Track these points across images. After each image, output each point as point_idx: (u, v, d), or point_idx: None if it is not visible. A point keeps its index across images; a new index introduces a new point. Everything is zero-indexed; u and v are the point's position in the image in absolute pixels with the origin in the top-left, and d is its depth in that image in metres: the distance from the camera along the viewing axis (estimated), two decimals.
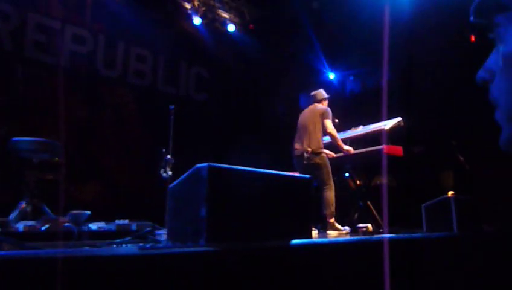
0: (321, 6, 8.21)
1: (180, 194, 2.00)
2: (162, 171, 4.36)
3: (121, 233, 2.03)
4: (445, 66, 7.58)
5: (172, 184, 2.05)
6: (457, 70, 7.46)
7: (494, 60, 0.70)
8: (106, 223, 2.16)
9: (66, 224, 1.94)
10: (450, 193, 6.01)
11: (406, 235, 2.91)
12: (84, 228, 2.03)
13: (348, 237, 2.35)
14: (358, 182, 5.06)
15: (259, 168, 2.04)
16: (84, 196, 6.37)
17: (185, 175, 1.97)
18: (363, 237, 2.54)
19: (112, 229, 2.08)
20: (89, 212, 2.14)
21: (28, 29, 6.21)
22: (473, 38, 7.89)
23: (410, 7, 7.07)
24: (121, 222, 2.10)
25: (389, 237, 2.59)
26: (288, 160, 4.73)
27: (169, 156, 4.38)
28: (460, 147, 6.35)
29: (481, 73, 0.73)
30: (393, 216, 5.88)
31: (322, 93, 4.63)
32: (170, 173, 4.35)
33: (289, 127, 5.32)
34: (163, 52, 7.86)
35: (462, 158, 6.07)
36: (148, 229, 2.11)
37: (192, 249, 1.60)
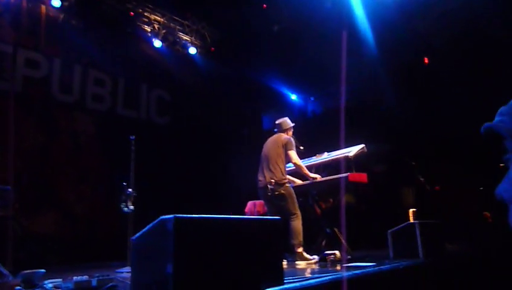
0: (281, 29, 8.33)
1: (145, 247, 1.89)
2: (123, 205, 4.17)
3: None
4: (403, 86, 7.87)
5: (136, 236, 1.94)
6: (414, 91, 7.77)
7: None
8: (63, 281, 1.99)
9: (18, 288, 1.77)
10: (411, 210, 6.17)
11: (373, 268, 2.90)
12: (38, 289, 1.86)
13: (318, 279, 2.31)
14: (323, 206, 5.07)
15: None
16: (39, 229, 6.01)
17: (149, 227, 1.87)
18: (332, 275, 2.51)
19: (69, 288, 1.92)
20: (43, 270, 1.97)
21: None
22: (426, 60, 8.28)
23: (369, 30, 7.32)
24: (79, 278, 1.94)
25: (352, 274, 2.58)
26: (254, 185, 4.68)
27: (130, 190, 4.20)
28: (419, 167, 6.56)
29: (501, 191, 0.71)
30: (359, 238, 5.95)
31: (287, 122, 4.62)
32: (132, 207, 4.17)
33: (254, 149, 5.28)
34: (122, 75, 7.65)
35: (422, 179, 6.26)
36: (110, 284, 1.97)
37: None
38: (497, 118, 0.97)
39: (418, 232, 3.82)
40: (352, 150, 4.37)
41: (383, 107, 8.35)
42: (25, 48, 6.42)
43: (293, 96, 9.84)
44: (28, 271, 1.93)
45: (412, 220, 5.50)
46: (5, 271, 2.64)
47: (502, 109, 1.00)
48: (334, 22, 7.14)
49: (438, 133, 7.00)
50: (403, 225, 4.00)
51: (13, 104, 6.02)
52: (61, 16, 6.77)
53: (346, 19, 7.11)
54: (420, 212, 5.84)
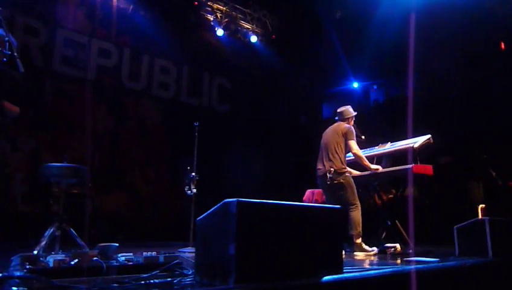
0: (344, 15, 8.12)
1: (209, 228, 1.97)
2: (186, 188, 4.36)
3: (149, 266, 2.01)
4: (475, 75, 7.36)
5: (200, 217, 2.02)
6: (487, 80, 7.24)
7: None
8: (134, 255, 2.14)
9: (95, 258, 1.93)
10: (481, 206, 5.81)
11: (437, 264, 2.79)
12: (112, 261, 2.02)
13: (378, 270, 2.27)
14: (384, 197, 4.94)
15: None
16: (109, 207, 6.46)
17: (213, 209, 1.94)
18: (393, 268, 2.45)
19: (139, 262, 2.06)
20: (116, 244, 2.14)
21: (56, 44, 6.36)
22: (503, 45, 7.65)
23: (435, 16, 6.90)
24: (149, 254, 2.08)
25: (416, 268, 2.49)
26: (313, 173, 4.65)
27: (193, 174, 4.37)
28: (492, 161, 6.14)
29: None
30: (422, 233, 5.72)
31: (348, 111, 4.51)
32: (195, 190, 4.34)
33: (313, 137, 5.25)
34: (186, 64, 7.93)
35: (493, 173, 5.85)
36: (175, 261, 2.08)
37: None
38: None
39: (488, 229, 3.59)
40: (418, 141, 4.19)
41: (452, 96, 7.88)
42: (98, 38, 6.85)
43: (355, 84, 9.57)
44: (104, 244, 2.10)
45: (480, 217, 5.20)
46: (83, 243, 2.90)
47: None
48: (399, 7, 6.82)
49: None
50: (472, 221, 3.78)
51: (86, 91, 6.49)
52: (131, 7, 7.11)
53: (413, 3, 6.75)
54: (490, 209, 5.48)
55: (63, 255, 1.96)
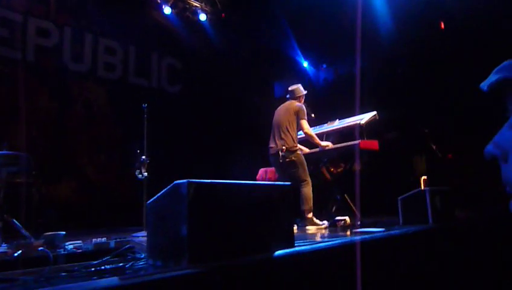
0: None
1: (159, 210, 1.95)
2: (137, 172, 4.27)
3: (99, 252, 1.96)
4: (419, 53, 7.69)
5: (151, 200, 2.00)
6: (430, 58, 7.59)
7: (508, 137, 0.67)
8: (83, 243, 2.08)
9: (40, 248, 1.86)
10: (423, 177, 6.17)
11: (382, 233, 2.96)
12: (60, 250, 1.95)
13: (327, 242, 2.37)
14: (334, 172, 5.11)
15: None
16: (57, 195, 6.20)
17: (163, 191, 1.92)
18: (342, 239, 2.57)
19: (89, 249, 2.01)
20: (63, 232, 2.06)
21: None
22: (442, 25, 8.02)
23: None
24: (99, 240, 2.03)
25: (362, 239, 2.63)
26: (266, 152, 4.72)
27: (144, 157, 4.29)
28: (432, 135, 6.50)
29: (491, 148, 0.71)
30: (370, 205, 6.01)
31: (299, 89, 4.59)
32: (146, 174, 4.26)
33: (264, 117, 5.29)
34: (133, 44, 7.63)
35: (434, 146, 6.22)
36: (127, 246, 2.05)
37: (175, 273, 1.56)
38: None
39: (428, 198, 3.84)
40: (364, 117, 4.35)
41: (396, 74, 8.20)
42: (35, 16, 6.41)
43: (305, 64, 9.70)
44: (50, 233, 2.03)
45: (423, 188, 5.53)
46: (27, 234, 2.77)
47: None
48: None
49: (452, 101, 6.88)
50: (413, 191, 4.02)
51: (25, 73, 6.09)
52: None
53: None
54: (432, 180, 5.84)
55: (5, 247, 1.87)
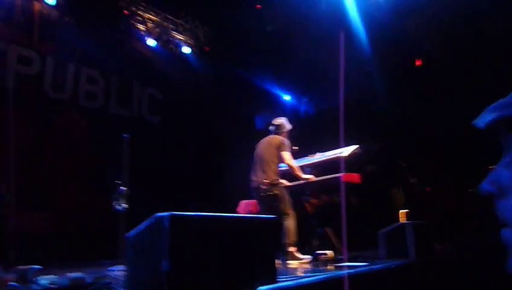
0: (275, 29, 8.35)
1: (139, 244, 1.90)
2: (115, 203, 4.16)
3: (76, 288, 1.88)
4: (394, 86, 7.94)
5: (131, 233, 1.94)
6: (406, 92, 7.84)
7: (506, 175, 0.68)
8: (58, 277, 1.99)
9: (11, 283, 1.76)
10: (402, 211, 6.22)
11: (366, 267, 2.95)
12: (33, 286, 1.85)
13: (311, 277, 2.33)
14: (316, 205, 5.09)
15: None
16: (30, 226, 5.96)
17: (144, 224, 1.87)
18: (325, 274, 2.54)
19: (64, 284, 1.92)
20: (38, 266, 1.97)
21: None
22: (418, 62, 8.35)
23: (361, 30, 7.36)
24: (74, 275, 1.94)
25: (349, 273, 2.60)
26: (248, 184, 4.69)
27: (123, 188, 4.19)
28: (410, 168, 6.62)
29: (487, 185, 0.72)
30: (350, 238, 5.98)
31: (284, 124, 4.62)
32: (124, 205, 4.16)
33: (246, 149, 5.29)
34: (115, 74, 7.62)
35: (412, 179, 6.32)
36: (104, 281, 1.97)
37: None
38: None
39: (409, 232, 3.87)
40: (346, 151, 4.41)
41: (374, 107, 8.41)
42: (18, 44, 6.36)
43: (286, 97, 9.86)
44: (23, 267, 1.93)
45: (402, 221, 5.57)
46: None
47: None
48: (327, 23, 7.17)
49: (429, 134, 7.07)
50: (394, 225, 4.05)
51: (7, 101, 5.97)
52: (55, 13, 6.72)
53: (340, 20, 7.15)
54: (410, 213, 5.90)
55: None
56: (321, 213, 4.97)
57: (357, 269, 2.82)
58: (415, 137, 7.36)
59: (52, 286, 1.90)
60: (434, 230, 4.39)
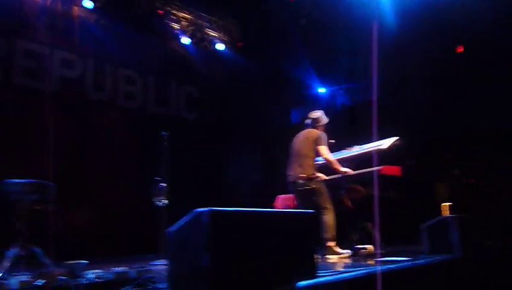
0: (309, 22, 8.25)
1: (180, 239, 1.93)
2: (156, 199, 4.27)
3: (120, 282, 1.94)
4: (435, 78, 7.64)
5: (171, 228, 1.98)
6: (447, 82, 7.53)
7: None
8: (104, 271, 2.07)
9: (62, 277, 1.85)
10: (445, 204, 5.99)
11: (410, 263, 2.86)
12: (81, 280, 1.94)
13: (351, 273, 2.29)
14: (355, 199, 5.00)
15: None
16: (76, 223, 6.23)
17: (184, 219, 1.90)
18: (366, 269, 2.48)
19: (110, 278, 1.99)
20: (85, 261, 2.06)
21: (16, 55, 6.12)
22: (458, 49, 7.99)
23: (398, 22, 7.12)
24: (120, 269, 2.01)
25: (388, 268, 2.54)
26: (285, 179, 4.67)
27: (163, 184, 4.29)
28: (455, 160, 6.36)
29: None
30: (392, 232, 5.85)
31: (322, 118, 4.56)
32: (165, 201, 4.26)
33: (282, 143, 5.27)
34: (152, 73, 7.80)
35: (457, 171, 6.07)
36: (147, 275, 2.03)
37: None
38: None
39: (453, 226, 3.72)
40: (386, 143, 4.29)
41: (416, 99, 8.14)
42: (61, 48, 6.65)
43: (321, 90, 9.73)
44: (71, 262, 2.02)
45: (445, 214, 5.36)
46: (49, 261, 2.77)
47: None
48: (362, 13, 7.00)
49: (474, 125, 6.76)
50: (438, 219, 3.91)
51: (51, 104, 6.25)
52: (93, 17, 6.95)
53: (375, 9, 6.95)
54: (455, 206, 5.67)
55: (28, 276, 1.87)
56: (360, 207, 4.88)
57: (399, 264, 2.74)
58: (461, 128, 7.05)
59: (98, 280, 1.98)
60: (481, 225, 4.20)
